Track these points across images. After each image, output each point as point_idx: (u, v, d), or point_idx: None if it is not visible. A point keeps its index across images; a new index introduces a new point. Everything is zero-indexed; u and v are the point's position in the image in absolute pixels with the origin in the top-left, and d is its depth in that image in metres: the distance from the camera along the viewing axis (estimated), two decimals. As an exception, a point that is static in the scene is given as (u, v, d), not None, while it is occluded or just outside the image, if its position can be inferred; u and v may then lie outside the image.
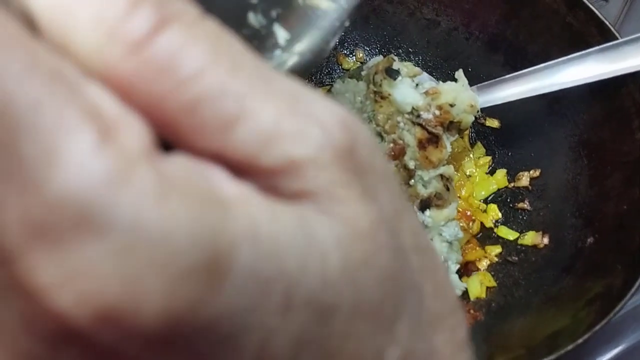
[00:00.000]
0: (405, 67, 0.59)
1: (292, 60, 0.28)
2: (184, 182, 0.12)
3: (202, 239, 0.12)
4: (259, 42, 0.27)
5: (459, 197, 0.67)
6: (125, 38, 0.13)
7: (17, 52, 0.12)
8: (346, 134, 0.14)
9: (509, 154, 0.69)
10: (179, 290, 0.12)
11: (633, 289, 0.50)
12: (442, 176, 0.60)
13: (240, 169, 0.14)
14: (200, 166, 0.13)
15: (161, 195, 0.12)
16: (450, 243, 0.60)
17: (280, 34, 0.28)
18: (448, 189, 0.60)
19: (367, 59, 0.73)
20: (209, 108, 0.13)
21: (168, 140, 0.14)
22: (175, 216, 0.12)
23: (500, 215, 0.66)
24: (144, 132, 0.13)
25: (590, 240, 0.58)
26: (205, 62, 0.13)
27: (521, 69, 0.64)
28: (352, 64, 0.74)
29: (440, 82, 0.63)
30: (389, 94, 0.58)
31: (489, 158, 0.69)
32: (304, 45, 0.29)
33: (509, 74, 0.64)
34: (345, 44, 0.75)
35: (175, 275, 0.12)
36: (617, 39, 0.61)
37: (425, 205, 0.59)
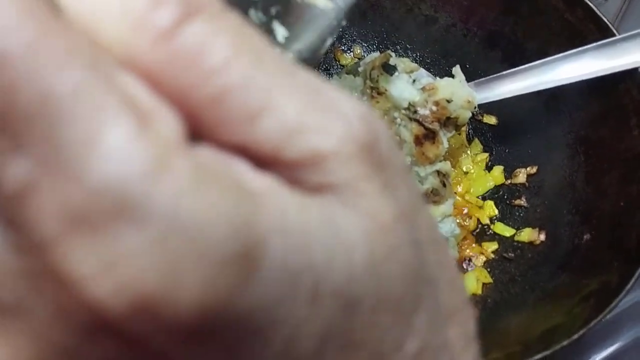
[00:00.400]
0: (402, 63, 0.59)
1: (290, 58, 0.28)
2: (217, 173, 0.13)
3: (237, 231, 0.12)
4: None
5: (456, 193, 0.67)
6: (152, 28, 0.13)
7: (57, 38, 0.12)
8: (367, 128, 0.15)
9: (506, 150, 0.69)
10: (215, 281, 0.12)
11: (629, 286, 0.50)
12: (438, 172, 0.60)
13: (264, 162, 0.14)
14: (227, 158, 0.13)
15: (199, 185, 0.12)
16: (446, 239, 0.60)
17: (280, 31, 0.29)
18: (445, 185, 0.60)
19: (365, 55, 0.72)
20: (234, 100, 0.13)
21: (193, 132, 0.14)
22: (212, 207, 0.12)
23: (496, 211, 0.66)
24: (177, 122, 0.13)
25: (586, 237, 0.58)
26: (231, 54, 0.13)
27: (519, 66, 0.63)
28: (349, 60, 0.74)
29: (438, 78, 0.63)
30: (386, 90, 0.58)
31: (487, 155, 0.69)
32: (302, 44, 0.29)
33: (507, 70, 0.64)
34: (343, 40, 0.75)
35: (212, 266, 0.12)
36: (615, 35, 0.60)
37: (421, 201, 0.59)
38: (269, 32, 0.27)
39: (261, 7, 0.27)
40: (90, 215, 0.11)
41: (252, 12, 0.27)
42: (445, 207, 0.60)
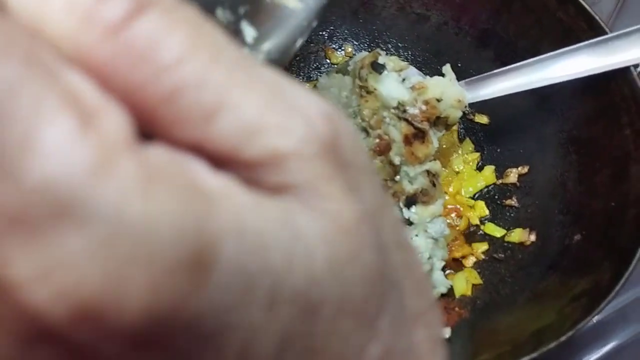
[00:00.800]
0: (391, 62, 0.58)
1: (258, 59, 0.27)
2: (167, 173, 0.12)
3: (187, 233, 0.12)
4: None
5: (446, 193, 0.66)
6: (101, 22, 0.12)
7: None
8: (330, 126, 0.14)
9: (498, 150, 0.68)
10: (163, 286, 0.11)
11: (618, 286, 0.49)
12: (428, 172, 0.59)
13: (222, 161, 0.13)
14: (181, 157, 0.13)
15: (145, 186, 0.11)
16: (436, 240, 0.59)
17: (248, 31, 0.28)
18: (434, 185, 0.60)
19: (356, 54, 0.72)
20: (189, 98, 0.13)
21: (146, 130, 0.13)
22: (160, 208, 0.11)
23: (487, 212, 0.66)
24: (125, 121, 0.12)
25: (577, 237, 0.58)
26: (185, 50, 0.13)
27: (511, 64, 0.63)
28: (341, 58, 0.74)
29: (428, 76, 0.62)
30: (375, 89, 0.57)
31: (478, 154, 0.69)
32: (271, 44, 0.28)
33: (498, 69, 0.64)
34: (334, 39, 0.74)
35: (159, 271, 0.11)
36: (607, 34, 0.60)
37: (411, 201, 0.58)
38: (237, 32, 0.26)
39: (229, 6, 0.26)
40: (28, 217, 0.11)
41: (220, 12, 0.26)
42: (435, 207, 0.59)
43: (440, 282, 0.60)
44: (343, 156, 0.14)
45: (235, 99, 0.13)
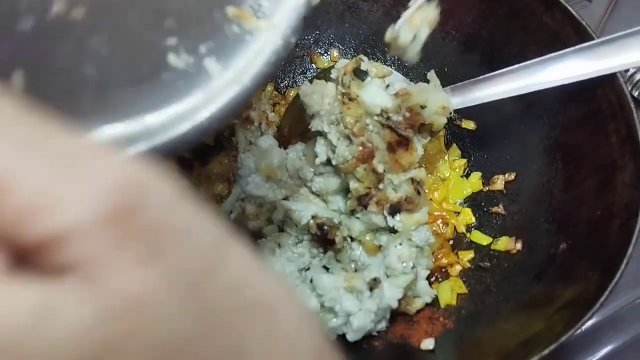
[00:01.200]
0: (374, 68, 0.58)
1: (233, 90, 0.26)
2: None
3: None
4: (186, 81, 0.26)
5: (432, 200, 0.65)
6: None
7: None
8: (125, 194, 0.14)
9: (485, 156, 0.68)
10: None
11: (604, 297, 0.49)
12: (413, 180, 0.58)
13: (4, 246, 0.13)
14: None
15: None
16: (421, 248, 0.58)
17: (214, 68, 0.27)
18: (419, 193, 0.59)
19: (342, 58, 0.71)
20: None
21: None
22: None
23: (474, 220, 0.65)
24: None
25: (563, 246, 0.57)
26: None
27: (498, 69, 0.62)
28: (326, 63, 0.73)
29: (413, 83, 0.61)
30: (358, 96, 0.56)
31: (465, 161, 0.68)
32: (246, 75, 0.27)
33: (485, 74, 0.63)
34: (320, 44, 0.73)
35: None
36: (594, 39, 0.59)
37: (395, 210, 0.57)
38: (200, 71, 0.25)
39: (185, 50, 0.25)
40: None
41: (173, 57, 0.25)
42: (420, 215, 0.58)
43: (425, 291, 0.59)
44: (144, 223, 0.14)
45: (17, 179, 0.13)
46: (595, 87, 0.58)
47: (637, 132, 0.55)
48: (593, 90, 0.58)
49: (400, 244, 0.58)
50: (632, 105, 0.56)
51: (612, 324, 0.69)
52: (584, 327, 0.68)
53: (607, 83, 0.57)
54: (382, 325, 0.56)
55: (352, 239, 0.59)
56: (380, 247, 0.58)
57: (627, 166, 0.54)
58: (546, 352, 0.47)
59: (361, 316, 0.54)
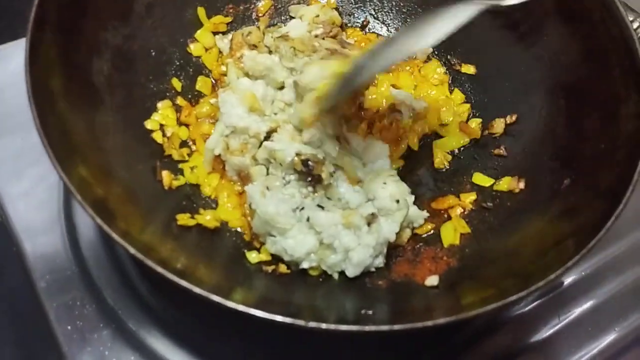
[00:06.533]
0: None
1: None
2: None
3: None
4: None
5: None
6: None
7: None
8: None
9: (486, 100, 0.67)
10: None
11: (612, 220, 0.48)
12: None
13: None
14: None
15: None
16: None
17: None
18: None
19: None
20: None
21: None
22: None
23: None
24: None
25: (566, 182, 0.56)
26: None
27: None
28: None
29: None
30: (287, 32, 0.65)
31: (468, 105, 0.67)
32: None
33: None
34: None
35: None
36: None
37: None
38: None
39: None
40: None
41: None
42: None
43: (416, 215, 0.59)
44: None
45: None
46: (595, 23, 0.58)
47: (640, 63, 0.54)
48: (594, 26, 0.58)
49: (385, 183, 0.57)
50: (635, 36, 0.55)
51: (612, 267, 0.68)
52: (584, 272, 0.68)
53: (608, 17, 0.57)
54: (379, 261, 0.56)
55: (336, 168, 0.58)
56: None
57: (631, 97, 0.54)
58: (552, 276, 0.46)
59: (360, 251, 0.54)
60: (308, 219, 0.55)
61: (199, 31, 0.68)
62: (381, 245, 0.55)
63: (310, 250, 0.54)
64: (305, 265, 0.55)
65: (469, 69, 0.68)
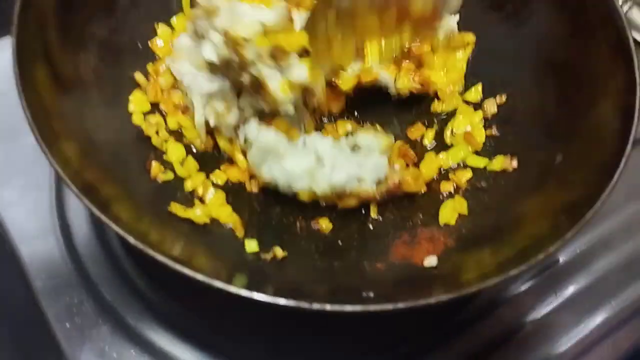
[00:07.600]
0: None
1: None
2: None
3: None
4: None
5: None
6: None
7: None
8: None
9: (474, 81, 0.67)
10: None
11: (606, 193, 0.49)
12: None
13: None
14: None
15: None
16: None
17: None
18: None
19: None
20: None
21: None
22: None
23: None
24: None
25: (559, 157, 0.57)
26: None
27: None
28: None
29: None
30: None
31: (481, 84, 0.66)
32: None
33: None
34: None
35: None
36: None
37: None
38: None
39: None
40: None
41: None
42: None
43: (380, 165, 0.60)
44: None
45: None
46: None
47: (627, 37, 0.55)
48: (581, 2, 0.58)
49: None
50: (620, 10, 0.55)
51: (605, 243, 0.69)
52: (578, 249, 0.69)
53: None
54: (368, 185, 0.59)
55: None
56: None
57: (620, 71, 0.54)
58: (551, 249, 0.46)
59: (346, 164, 0.58)
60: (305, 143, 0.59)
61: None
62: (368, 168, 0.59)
63: (307, 167, 0.57)
64: (298, 186, 0.57)
65: (457, 51, 0.68)
